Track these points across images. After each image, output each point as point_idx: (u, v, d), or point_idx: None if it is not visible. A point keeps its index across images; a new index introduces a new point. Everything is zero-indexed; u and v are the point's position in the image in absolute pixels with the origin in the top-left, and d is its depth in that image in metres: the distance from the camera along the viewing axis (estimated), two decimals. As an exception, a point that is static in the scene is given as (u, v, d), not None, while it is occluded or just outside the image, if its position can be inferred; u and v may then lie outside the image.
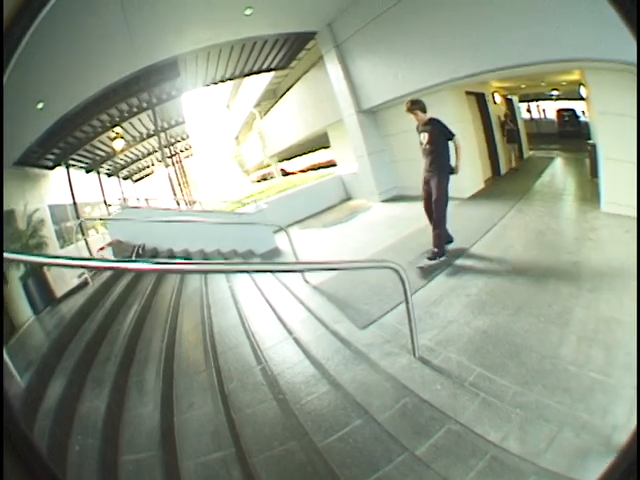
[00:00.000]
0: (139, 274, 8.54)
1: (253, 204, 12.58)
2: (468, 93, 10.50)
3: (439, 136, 7.13)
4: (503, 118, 11.49)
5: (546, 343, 4.10)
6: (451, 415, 3.30)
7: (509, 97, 11.87)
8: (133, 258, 9.13)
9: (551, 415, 3.19)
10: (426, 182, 7.46)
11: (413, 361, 4.21)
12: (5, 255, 4.44)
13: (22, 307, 8.59)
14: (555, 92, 11.27)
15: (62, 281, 9.26)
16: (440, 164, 7.21)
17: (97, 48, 9.38)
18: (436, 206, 7.04)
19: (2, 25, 1.83)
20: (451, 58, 8.85)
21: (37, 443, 1.94)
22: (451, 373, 3.89)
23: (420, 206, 10.45)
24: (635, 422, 1.79)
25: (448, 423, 3.21)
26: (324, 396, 3.84)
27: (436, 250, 6.73)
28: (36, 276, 8.09)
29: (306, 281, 7.32)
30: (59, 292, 8.40)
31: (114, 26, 8.99)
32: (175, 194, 15.00)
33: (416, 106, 7.47)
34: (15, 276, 8.11)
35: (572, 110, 11.02)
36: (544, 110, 11.98)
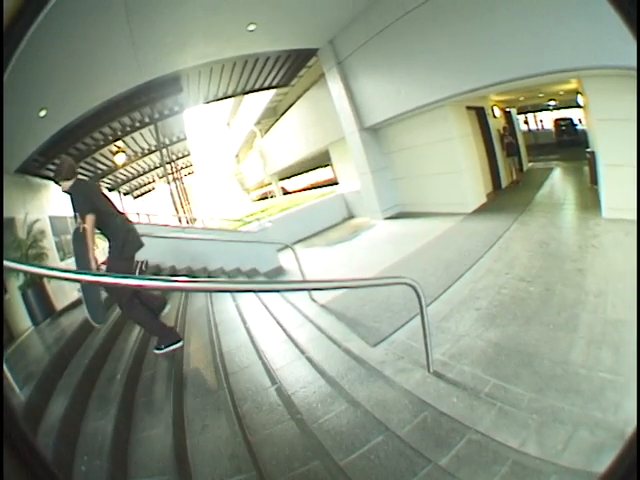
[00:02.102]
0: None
1: (256, 222, 12.59)
2: (469, 108, 10.70)
3: (83, 209, 4.92)
4: (502, 131, 11.54)
5: (557, 350, 4.18)
6: (470, 425, 3.30)
7: (508, 110, 11.94)
8: (136, 274, 8.91)
9: (566, 417, 3.23)
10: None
11: (427, 376, 4.20)
12: (5, 264, 4.13)
13: (21, 317, 8.54)
14: (552, 102, 11.44)
15: (62, 294, 9.16)
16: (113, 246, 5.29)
17: (101, 59, 9.32)
18: (119, 302, 5.34)
19: (2, 25, 1.77)
20: (453, 74, 8.92)
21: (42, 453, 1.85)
22: (466, 385, 3.90)
23: (423, 222, 10.83)
24: (635, 422, 1.74)
25: (468, 433, 3.19)
26: (342, 414, 3.74)
27: (160, 342, 5.25)
28: (36, 287, 8.05)
29: (313, 300, 7.40)
30: (59, 305, 8.44)
31: (118, 38, 8.95)
32: (177, 211, 15.04)
33: (59, 177, 5.11)
34: (14, 285, 8.15)
35: (569, 119, 11.23)
36: (541, 121, 12.11)
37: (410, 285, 4.05)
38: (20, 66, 7.30)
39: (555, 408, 3.36)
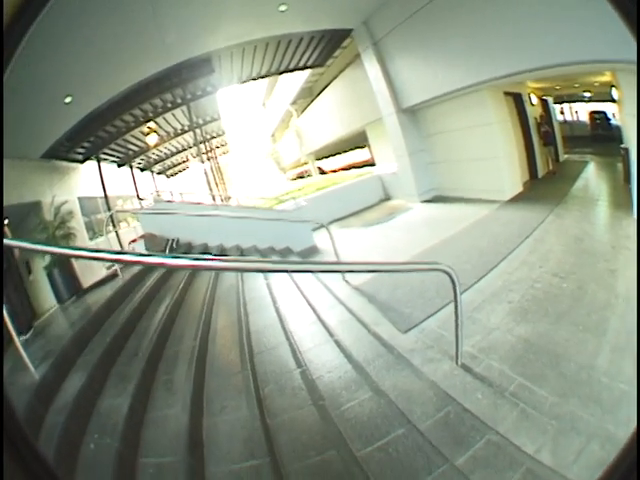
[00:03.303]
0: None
1: (291, 201, 12.45)
2: (506, 93, 10.31)
3: None
4: (539, 120, 11.18)
5: (584, 353, 4.04)
6: (491, 425, 3.20)
7: (544, 98, 11.55)
8: (166, 252, 9.09)
9: (583, 427, 3.13)
10: None
11: (455, 368, 4.07)
12: (30, 246, 4.23)
13: (45, 296, 8.59)
14: (587, 94, 10.95)
15: (90, 272, 9.21)
16: None
17: (126, 44, 9.32)
18: None
19: (2, 25, 1.75)
20: (489, 57, 8.63)
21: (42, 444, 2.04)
22: (492, 382, 3.77)
23: (460, 208, 10.64)
24: (635, 422, 1.71)
25: (488, 434, 3.10)
26: (365, 403, 3.64)
27: None
28: (62, 265, 8.06)
29: (346, 281, 7.17)
30: (86, 283, 8.45)
31: (142, 22, 8.92)
32: (211, 189, 15.00)
33: None
34: (39, 266, 8.20)
35: (603, 113, 10.73)
36: (577, 112, 11.65)
37: (445, 272, 3.91)
38: (42, 54, 7.31)
39: (574, 416, 3.26)
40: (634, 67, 6.22)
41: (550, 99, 11.60)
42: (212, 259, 3.15)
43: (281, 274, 7.92)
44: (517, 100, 10.69)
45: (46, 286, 8.23)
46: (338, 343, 4.93)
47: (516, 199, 9.79)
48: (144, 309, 6.10)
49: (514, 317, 4.93)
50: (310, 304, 6.38)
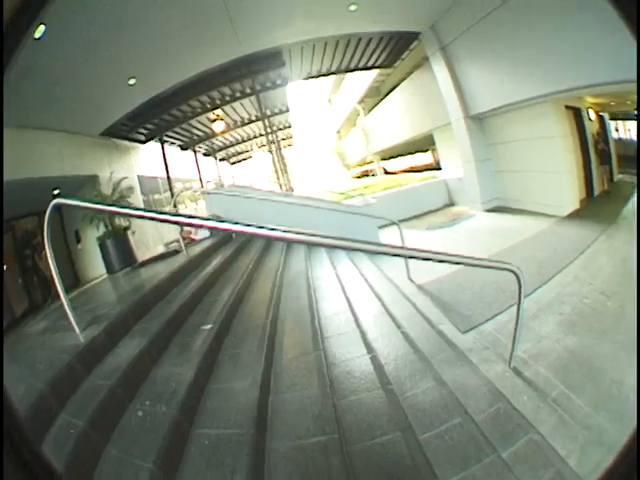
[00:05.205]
0: (239, 248, 8.59)
1: (360, 197, 12.44)
2: (567, 107, 10.11)
3: None
4: (596, 136, 10.85)
5: (617, 369, 4.12)
6: (534, 425, 3.30)
7: (601, 114, 11.20)
8: (233, 236, 9.36)
9: (606, 440, 3.16)
10: None
11: (507, 370, 4.22)
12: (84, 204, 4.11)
13: (93, 265, 9.11)
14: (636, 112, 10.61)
15: (145, 247, 9.29)
16: None
17: (195, 33, 9.43)
18: None
19: (2, 25, 1.72)
20: (556, 68, 8.50)
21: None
22: (538, 386, 3.90)
23: (520, 219, 10.61)
24: (635, 422, 1.70)
25: (530, 432, 3.21)
26: (428, 391, 3.78)
27: None
28: (117, 238, 8.21)
29: (410, 279, 7.40)
30: (141, 257, 8.56)
31: (213, 13, 8.98)
32: (278, 178, 15.21)
33: None
34: (91, 236, 8.53)
35: None
36: (629, 130, 11.27)
37: (513, 272, 3.90)
38: (108, 35, 7.35)
39: (601, 428, 3.32)
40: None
41: (606, 115, 11.26)
42: (289, 230, 3.03)
43: (348, 264, 8.32)
44: (577, 115, 10.47)
45: (95, 256, 8.55)
46: (405, 335, 5.01)
47: (572, 216, 9.89)
48: (210, 285, 6.05)
49: (563, 328, 5.08)
50: (377, 296, 6.48)
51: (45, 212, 3.74)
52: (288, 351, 4.33)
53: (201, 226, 3.57)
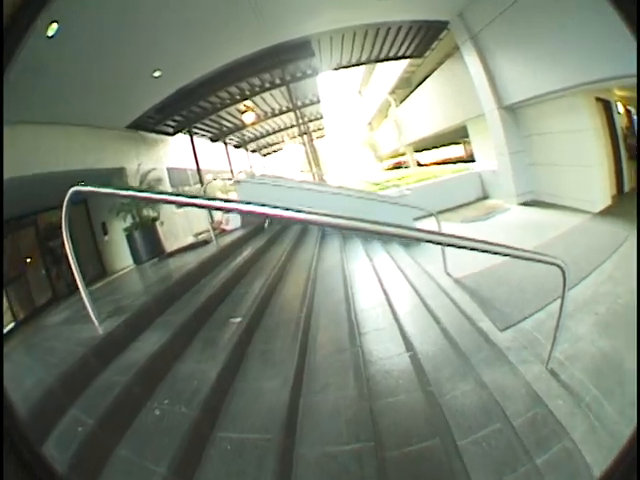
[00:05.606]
0: (271, 238, 8.37)
1: (394, 188, 12.44)
2: (597, 100, 9.80)
3: None
4: (625, 131, 10.45)
5: None
6: (569, 432, 3.15)
7: (629, 108, 10.82)
8: (266, 225, 9.20)
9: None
10: None
11: (544, 371, 4.04)
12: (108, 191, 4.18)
13: (121, 256, 9.14)
14: None
15: (174, 238, 9.21)
16: None
17: (221, 23, 9.36)
18: None
19: (2, 25, 1.73)
20: (588, 57, 8.24)
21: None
22: (573, 390, 3.75)
23: (554, 214, 10.49)
24: (635, 422, 1.73)
25: (564, 440, 3.06)
26: (468, 394, 3.58)
27: None
28: (145, 228, 8.22)
29: (447, 273, 7.23)
30: (170, 247, 8.52)
31: (241, 2, 8.91)
32: (311, 169, 15.14)
33: None
34: (118, 227, 8.58)
35: None
36: None
37: (558, 266, 3.66)
38: (131, 26, 7.26)
39: (622, 436, 2.97)
40: None
41: (633, 109, 10.90)
42: (326, 214, 2.79)
43: (385, 257, 8.17)
44: (607, 107, 10.09)
45: (122, 248, 8.58)
46: (444, 331, 4.80)
47: (605, 212, 9.60)
48: (241, 277, 5.86)
49: (598, 329, 4.93)
50: (415, 289, 6.26)
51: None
52: (322, 348, 4.13)
53: (232, 209, 3.36)
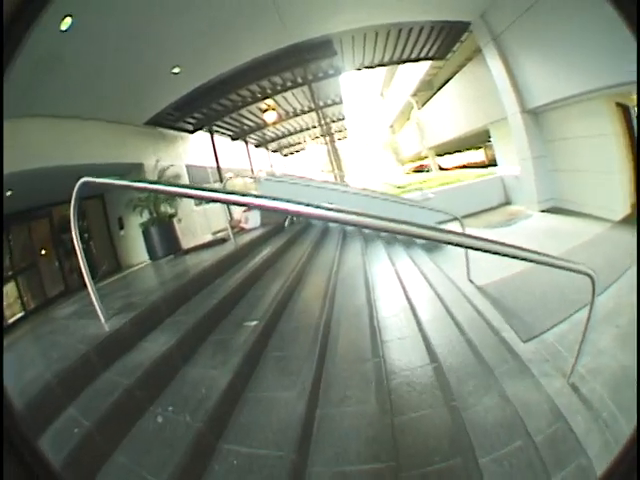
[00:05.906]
0: (291, 239, 8.41)
1: (417, 192, 12.38)
2: (617, 105, 9.62)
3: None
4: None
5: None
6: (585, 449, 3.00)
7: None
8: (286, 224, 9.15)
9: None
10: None
11: (565, 386, 3.90)
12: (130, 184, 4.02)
13: (136, 252, 9.19)
14: None
15: (192, 235, 9.17)
16: None
17: (241, 20, 9.32)
18: None
19: (2, 25, 1.66)
20: (610, 60, 7.90)
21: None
22: (592, 406, 3.61)
23: (575, 222, 10.33)
24: (635, 422, 1.63)
25: (580, 457, 2.92)
26: (491, 409, 3.39)
27: None
28: (162, 225, 8.19)
29: (470, 280, 7.14)
30: (187, 244, 8.48)
31: (261, 3, 8.97)
32: (332, 170, 14.96)
33: None
34: (134, 222, 8.63)
35: None
36: None
37: (587, 274, 3.47)
38: (149, 23, 7.20)
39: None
40: None
41: None
42: (350, 212, 2.61)
43: (407, 261, 8.00)
44: (626, 113, 9.88)
45: (139, 243, 8.55)
46: (469, 342, 4.56)
47: (625, 221, 9.36)
48: (257, 278, 5.75)
49: (619, 342, 4.72)
50: (438, 296, 6.04)
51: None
52: (342, 356, 3.91)
53: (250, 204, 3.20)
